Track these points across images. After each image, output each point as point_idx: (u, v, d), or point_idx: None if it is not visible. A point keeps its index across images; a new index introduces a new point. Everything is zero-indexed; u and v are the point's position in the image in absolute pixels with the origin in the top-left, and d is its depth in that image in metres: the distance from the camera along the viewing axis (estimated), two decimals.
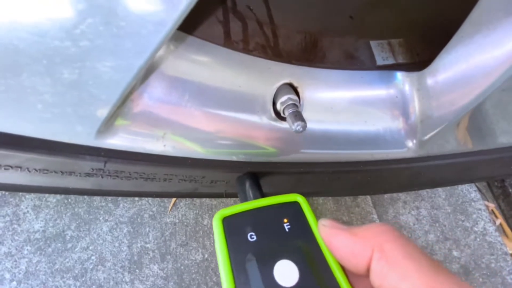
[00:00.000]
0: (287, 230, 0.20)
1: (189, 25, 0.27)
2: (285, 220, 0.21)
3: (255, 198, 0.26)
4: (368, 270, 0.17)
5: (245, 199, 0.30)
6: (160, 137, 0.29)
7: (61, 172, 0.28)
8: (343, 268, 0.19)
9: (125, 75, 0.17)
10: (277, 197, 0.23)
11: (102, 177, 0.31)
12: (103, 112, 0.20)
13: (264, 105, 0.33)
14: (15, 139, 0.23)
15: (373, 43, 0.37)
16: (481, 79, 0.27)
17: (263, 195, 0.31)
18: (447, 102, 0.30)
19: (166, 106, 0.27)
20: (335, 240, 0.18)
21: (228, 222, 0.20)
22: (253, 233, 0.20)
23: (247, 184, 0.32)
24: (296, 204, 0.23)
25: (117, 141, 0.27)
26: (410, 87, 0.35)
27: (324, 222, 0.19)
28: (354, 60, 0.37)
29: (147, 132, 0.28)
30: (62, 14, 0.14)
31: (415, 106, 0.35)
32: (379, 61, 0.36)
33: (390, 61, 0.36)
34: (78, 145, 0.25)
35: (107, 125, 0.24)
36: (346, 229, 0.19)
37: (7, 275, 0.57)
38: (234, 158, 0.35)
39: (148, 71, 0.23)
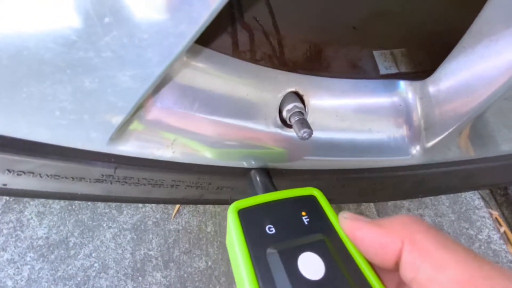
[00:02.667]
0: (306, 223, 0.20)
1: (200, 37, 0.28)
2: (303, 213, 0.20)
3: (268, 191, 0.26)
4: (396, 264, 0.16)
5: (256, 193, 0.29)
6: (169, 144, 0.29)
7: (72, 178, 0.28)
8: (369, 262, 0.18)
9: (143, 83, 0.18)
10: (292, 191, 0.22)
11: (111, 183, 0.31)
12: (118, 119, 0.21)
13: (271, 113, 0.33)
14: (30, 145, 0.23)
15: (376, 53, 0.38)
16: (483, 89, 0.28)
17: (275, 189, 0.29)
18: (450, 110, 0.31)
19: (177, 114, 0.28)
20: (360, 232, 0.17)
21: (244, 215, 0.19)
22: (271, 226, 0.19)
23: (259, 178, 0.32)
24: (312, 198, 0.22)
25: (128, 148, 0.28)
26: (413, 95, 0.36)
27: (345, 215, 0.19)
28: (358, 69, 0.38)
29: (157, 138, 0.28)
30: (89, 26, 0.15)
31: (419, 114, 0.36)
32: (382, 70, 0.37)
33: (393, 70, 0.37)
34: (90, 151, 0.26)
35: (120, 132, 0.24)
36: (371, 221, 0.18)
37: (9, 282, 0.57)
38: (241, 165, 0.36)
39: (162, 80, 0.24)
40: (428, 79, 0.33)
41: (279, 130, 0.34)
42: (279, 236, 0.19)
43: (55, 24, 0.15)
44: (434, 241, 0.15)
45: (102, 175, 0.30)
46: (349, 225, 0.18)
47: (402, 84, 0.36)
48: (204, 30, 0.27)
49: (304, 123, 0.30)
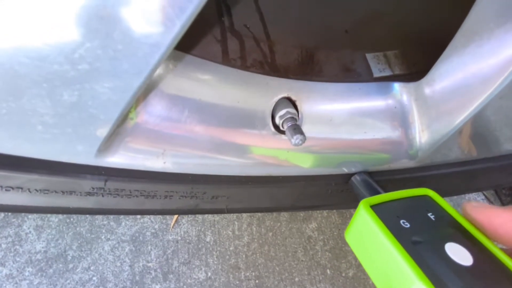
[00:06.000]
0: (433, 219, 0.21)
1: (188, 44, 0.28)
2: (426, 210, 0.21)
3: (379, 193, 0.26)
4: None
5: (365, 195, 0.31)
6: (160, 154, 0.29)
7: (62, 191, 0.28)
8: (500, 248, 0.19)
9: (124, 95, 0.18)
10: (408, 191, 0.23)
11: (102, 196, 0.31)
12: (102, 132, 0.21)
13: (263, 120, 0.33)
14: (16, 160, 0.23)
15: (369, 56, 0.38)
16: (478, 88, 0.27)
17: (385, 190, 0.31)
18: (446, 111, 0.30)
19: (166, 124, 0.28)
20: (499, 219, 0.18)
21: (376, 210, 0.21)
22: (404, 221, 0.20)
23: (370, 180, 0.34)
24: (427, 197, 0.23)
25: (117, 159, 0.27)
26: (408, 97, 0.35)
27: (473, 203, 0.19)
28: (351, 73, 0.37)
29: (147, 149, 0.28)
30: (61, 39, 0.15)
31: (415, 116, 0.35)
32: (376, 73, 0.37)
33: (387, 72, 0.37)
34: (78, 164, 0.26)
35: (107, 143, 0.24)
36: (506, 207, 0.18)
37: None
38: (235, 173, 0.35)
39: (148, 89, 0.23)
40: (423, 80, 0.33)
41: (272, 137, 0.34)
42: (416, 229, 0.20)
43: (27, 38, 0.15)
44: None
45: (93, 188, 0.29)
46: (485, 212, 0.19)
47: (397, 86, 0.36)
48: (193, 38, 0.27)
49: (297, 129, 0.30)
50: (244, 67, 0.33)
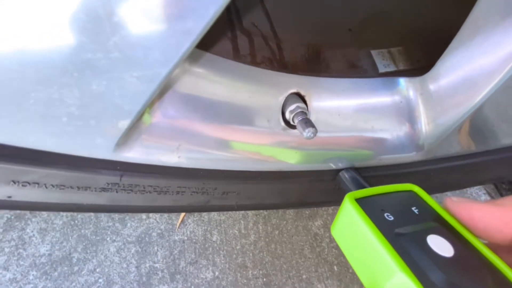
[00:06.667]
0: (416, 212, 0.21)
1: (202, 42, 0.28)
2: (410, 204, 0.22)
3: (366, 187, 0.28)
4: None
5: (351, 190, 0.31)
6: (174, 149, 0.29)
7: (77, 187, 0.28)
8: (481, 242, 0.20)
9: (150, 85, 0.18)
10: (394, 186, 0.24)
11: (116, 192, 0.31)
12: (124, 124, 0.21)
13: (274, 115, 0.33)
14: (35, 155, 0.23)
15: (374, 52, 0.39)
16: (483, 81, 0.28)
17: (371, 185, 0.31)
18: (451, 104, 0.31)
19: (181, 119, 0.28)
20: (479, 212, 0.19)
21: (361, 203, 0.21)
22: (388, 213, 0.20)
23: (355, 175, 0.35)
24: (412, 193, 0.24)
25: (133, 154, 0.28)
26: (413, 92, 0.36)
27: (454, 199, 0.20)
28: (357, 69, 0.38)
29: (163, 144, 0.28)
30: (98, 26, 0.15)
31: (420, 110, 0.36)
32: (381, 69, 0.38)
33: (392, 68, 0.38)
34: (96, 159, 0.26)
35: (125, 138, 0.24)
36: (485, 202, 0.19)
37: None
38: (245, 168, 0.36)
39: (165, 85, 0.24)
40: (427, 75, 0.34)
41: (282, 132, 0.34)
42: (399, 222, 0.20)
43: (64, 25, 0.15)
44: None
45: (108, 184, 0.29)
46: (465, 207, 0.19)
47: (402, 81, 0.37)
48: (206, 36, 0.28)
49: (308, 122, 0.31)
50: (255, 63, 0.33)
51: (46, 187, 0.27)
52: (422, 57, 0.37)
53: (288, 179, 0.39)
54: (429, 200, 0.23)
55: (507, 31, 0.23)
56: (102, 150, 0.24)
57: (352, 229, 0.21)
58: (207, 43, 0.29)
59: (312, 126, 0.30)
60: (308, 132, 0.30)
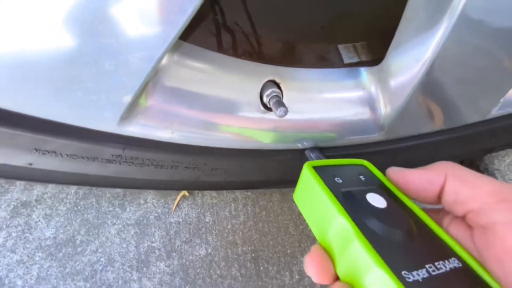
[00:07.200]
0: (363, 179, 0.26)
1: (190, 37, 0.34)
2: (359, 173, 0.26)
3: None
4: (439, 197, 0.22)
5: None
6: (168, 126, 0.35)
7: (87, 157, 0.34)
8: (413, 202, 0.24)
9: (148, 64, 0.24)
10: (348, 160, 0.28)
11: (119, 164, 0.36)
12: (128, 98, 0.27)
13: (253, 99, 0.39)
14: (55, 126, 0.29)
15: (340, 47, 0.45)
16: (417, 66, 0.34)
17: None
18: (398, 87, 0.37)
19: (172, 100, 0.34)
20: (412, 176, 0.23)
21: (317, 169, 0.25)
22: (339, 178, 0.25)
23: (319, 154, 0.40)
24: (362, 166, 0.28)
25: (134, 129, 0.33)
26: (372, 78, 0.42)
27: (393, 168, 0.25)
28: (325, 61, 0.44)
29: (158, 120, 0.34)
30: (110, 18, 0.21)
31: (379, 94, 0.42)
32: (346, 60, 0.44)
33: (355, 59, 0.44)
34: (103, 132, 0.31)
35: (128, 113, 0.30)
36: (418, 168, 0.23)
37: (19, 282, 0.60)
38: (230, 146, 0.41)
39: (159, 71, 0.30)
40: (382, 64, 0.40)
41: (260, 115, 0.40)
42: (346, 184, 0.25)
43: (86, 19, 0.21)
44: (469, 173, 0.21)
45: (112, 155, 0.35)
46: (401, 173, 0.24)
47: (363, 70, 0.43)
48: (193, 31, 0.34)
49: (280, 103, 0.36)
50: (236, 56, 0.39)
51: (62, 156, 0.32)
52: (380, 50, 0.43)
53: (267, 157, 0.44)
54: (376, 172, 0.27)
55: (429, 24, 0.29)
56: (108, 123, 0.30)
57: (308, 190, 0.25)
58: (195, 38, 0.35)
59: (284, 106, 0.36)
60: (280, 111, 0.36)
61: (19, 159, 0.30)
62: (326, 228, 0.22)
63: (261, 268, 0.59)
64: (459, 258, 0.20)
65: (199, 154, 0.40)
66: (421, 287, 0.17)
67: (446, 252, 0.20)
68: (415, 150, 0.50)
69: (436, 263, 0.19)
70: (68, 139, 0.30)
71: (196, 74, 0.35)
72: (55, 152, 0.31)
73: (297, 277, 0.59)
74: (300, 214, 0.65)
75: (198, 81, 0.36)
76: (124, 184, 0.41)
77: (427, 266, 0.19)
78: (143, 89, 0.29)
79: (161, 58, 0.24)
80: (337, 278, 0.21)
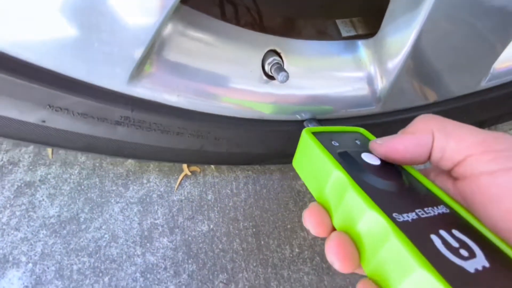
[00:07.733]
0: (358, 143, 0.27)
1: (195, 3, 0.36)
2: (355, 138, 0.28)
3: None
4: (428, 158, 0.21)
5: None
6: (175, 88, 0.37)
7: (97, 118, 0.35)
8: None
9: (158, 18, 0.25)
10: (345, 127, 0.30)
11: (128, 127, 0.38)
12: (138, 53, 0.28)
13: (255, 66, 0.41)
14: (69, 83, 0.30)
15: (338, 21, 0.47)
16: (407, 35, 0.36)
17: None
18: (390, 55, 0.39)
19: (177, 65, 0.36)
20: (401, 143, 0.22)
21: (315, 134, 0.27)
22: (335, 142, 0.26)
23: (315, 123, 0.43)
24: (358, 133, 0.29)
25: (142, 90, 0.35)
26: (368, 51, 0.44)
27: (378, 140, 0.24)
28: (324, 34, 0.46)
29: (165, 83, 0.36)
30: None
31: (375, 66, 0.44)
32: (344, 33, 0.46)
33: (352, 33, 0.46)
34: (113, 91, 0.33)
35: (137, 71, 0.31)
36: (401, 134, 0.22)
37: (23, 258, 0.61)
38: (234, 114, 0.43)
39: (165, 37, 0.31)
40: (376, 36, 0.42)
41: (263, 84, 0.42)
42: (342, 146, 0.26)
43: None
44: (452, 125, 0.20)
45: (121, 117, 0.36)
46: (390, 142, 0.23)
47: (360, 43, 0.45)
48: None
49: (281, 68, 0.38)
50: (240, 25, 0.41)
51: (73, 115, 0.34)
52: (376, 23, 0.45)
53: (267, 127, 0.46)
54: (371, 137, 0.29)
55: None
56: (119, 81, 0.31)
57: (306, 153, 0.26)
58: (200, 5, 0.37)
59: (285, 71, 0.38)
60: (281, 76, 0.37)
61: (33, 115, 0.31)
62: (323, 185, 0.23)
63: (262, 242, 0.60)
64: (447, 205, 0.21)
65: (204, 121, 0.42)
66: (410, 226, 0.18)
67: (435, 200, 0.22)
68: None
69: (426, 209, 0.20)
70: (81, 96, 0.31)
71: (201, 41, 0.37)
72: (67, 110, 0.33)
73: (297, 250, 0.60)
74: (299, 192, 0.67)
75: (204, 48, 0.37)
76: (130, 151, 0.43)
77: (416, 210, 0.20)
78: (151, 51, 0.30)
79: (171, 8, 0.26)
80: (333, 231, 0.22)
